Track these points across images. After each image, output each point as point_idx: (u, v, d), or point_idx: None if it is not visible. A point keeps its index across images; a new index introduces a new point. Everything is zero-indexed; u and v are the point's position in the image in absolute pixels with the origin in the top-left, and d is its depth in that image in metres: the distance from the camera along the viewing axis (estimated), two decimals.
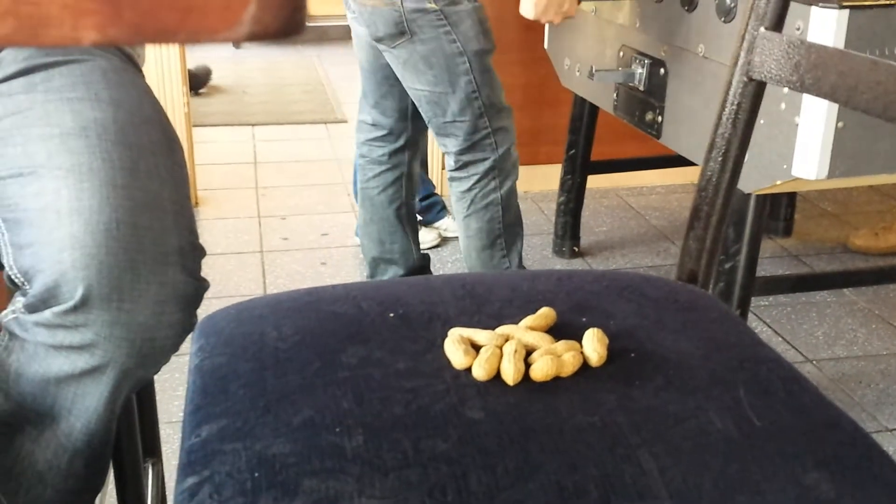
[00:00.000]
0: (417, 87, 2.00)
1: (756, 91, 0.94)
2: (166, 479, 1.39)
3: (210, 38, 0.28)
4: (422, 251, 2.50)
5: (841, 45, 1.52)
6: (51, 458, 0.98)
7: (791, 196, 2.97)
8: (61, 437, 0.98)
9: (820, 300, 2.52)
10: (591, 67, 2.17)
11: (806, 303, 2.50)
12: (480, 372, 0.74)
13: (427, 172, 2.94)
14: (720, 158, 0.95)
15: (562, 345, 0.77)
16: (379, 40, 1.98)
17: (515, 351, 0.75)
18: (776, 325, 2.38)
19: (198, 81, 4.66)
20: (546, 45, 2.64)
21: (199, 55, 5.06)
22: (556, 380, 0.75)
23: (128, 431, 1.15)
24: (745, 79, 0.93)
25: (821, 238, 2.98)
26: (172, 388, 1.99)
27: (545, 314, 0.83)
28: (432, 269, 2.52)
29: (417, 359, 0.78)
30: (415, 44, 1.94)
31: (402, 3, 1.90)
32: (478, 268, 2.14)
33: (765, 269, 2.70)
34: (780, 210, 2.96)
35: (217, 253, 2.74)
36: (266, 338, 0.83)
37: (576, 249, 2.79)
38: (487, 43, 1.99)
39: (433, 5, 1.90)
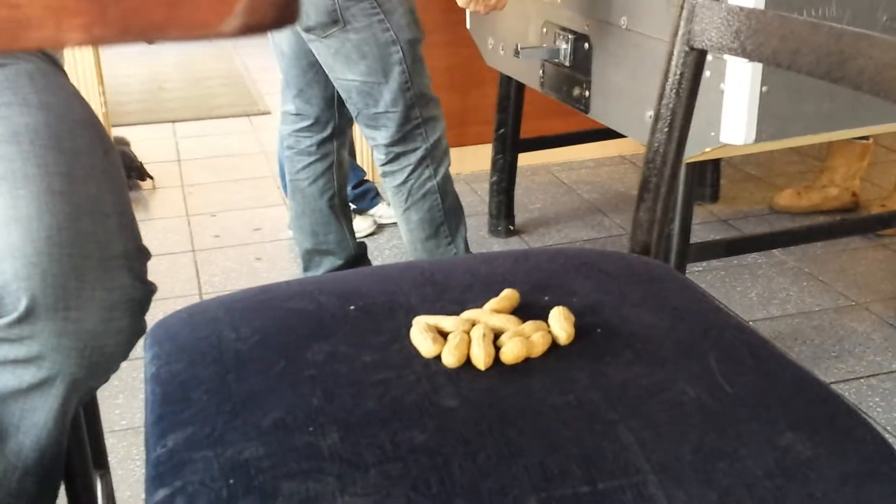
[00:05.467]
0: (348, 78, 1.97)
1: (697, 60, 0.94)
2: (115, 490, 1.36)
3: (202, 33, 0.26)
4: (357, 239, 2.47)
5: (761, 6, 1.54)
6: (0, 478, 0.94)
7: (716, 162, 3.02)
8: (10, 455, 0.94)
9: (751, 262, 2.57)
10: (517, 45, 2.16)
11: (738, 265, 2.55)
12: (450, 359, 0.73)
13: (356, 159, 2.91)
14: (666, 129, 0.96)
15: (529, 325, 0.77)
16: (309, 30, 1.94)
17: (484, 335, 0.74)
18: (711, 289, 2.43)
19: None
20: (468, 26, 2.63)
21: (114, 61, 4.90)
22: (527, 361, 0.74)
23: (77, 444, 1.11)
24: (687, 48, 0.93)
25: (747, 201, 3.04)
26: (112, 397, 1.94)
27: (509, 296, 0.82)
28: (370, 257, 2.50)
29: (384, 350, 0.77)
30: (347, 33, 1.90)
31: None
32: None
33: (696, 235, 2.74)
34: (707, 176, 3.01)
35: None
36: (224, 340, 0.80)
37: (511, 228, 2.80)
38: (419, 32, 1.97)
39: None
